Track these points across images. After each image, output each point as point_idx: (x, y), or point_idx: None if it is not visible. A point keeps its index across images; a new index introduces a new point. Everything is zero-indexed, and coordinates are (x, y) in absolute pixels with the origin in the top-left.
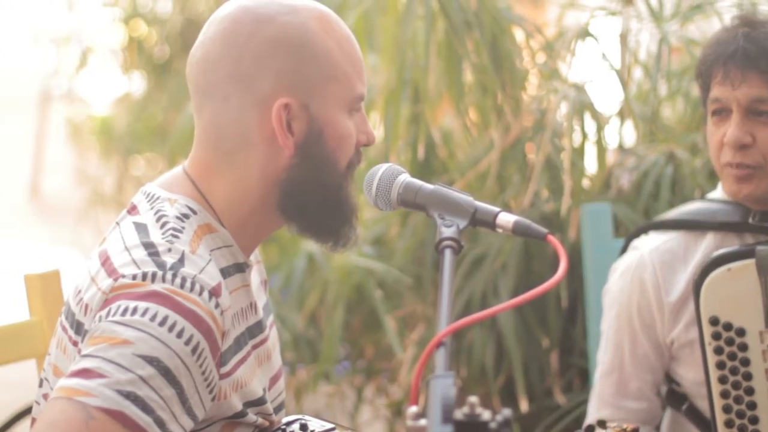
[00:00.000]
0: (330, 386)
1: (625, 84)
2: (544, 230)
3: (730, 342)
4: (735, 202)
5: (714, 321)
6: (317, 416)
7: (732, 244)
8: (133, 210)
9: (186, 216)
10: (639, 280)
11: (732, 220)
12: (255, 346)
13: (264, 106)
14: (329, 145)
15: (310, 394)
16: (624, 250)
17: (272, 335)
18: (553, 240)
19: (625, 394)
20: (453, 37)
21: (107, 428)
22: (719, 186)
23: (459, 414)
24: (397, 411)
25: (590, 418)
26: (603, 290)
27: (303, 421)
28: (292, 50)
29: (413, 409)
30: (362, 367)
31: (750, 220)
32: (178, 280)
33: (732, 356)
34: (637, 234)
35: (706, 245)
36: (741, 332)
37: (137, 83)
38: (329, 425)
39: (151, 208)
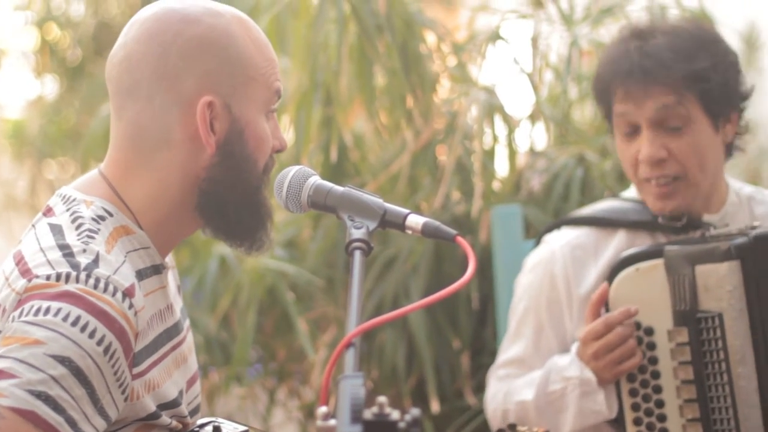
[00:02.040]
0: (242, 389)
1: (536, 87)
2: (453, 231)
3: (638, 341)
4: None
5: None
6: (230, 419)
7: (643, 242)
8: (48, 212)
9: (102, 218)
10: (549, 274)
11: (643, 219)
12: (173, 348)
13: (188, 105)
14: (249, 145)
15: (223, 397)
16: (537, 244)
17: (189, 338)
18: (462, 241)
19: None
20: (364, 40)
21: (18, 428)
22: (632, 186)
23: (368, 414)
24: (310, 413)
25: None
26: (514, 282)
27: (216, 424)
28: (217, 51)
29: (323, 409)
30: (274, 369)
31: (660, 219)
32: (91, 281)
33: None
34: (550, 229)
35: (617, 242)
36: (649, 331)
37: (50, 86)
38: (242, 427)
39: (67, 210)
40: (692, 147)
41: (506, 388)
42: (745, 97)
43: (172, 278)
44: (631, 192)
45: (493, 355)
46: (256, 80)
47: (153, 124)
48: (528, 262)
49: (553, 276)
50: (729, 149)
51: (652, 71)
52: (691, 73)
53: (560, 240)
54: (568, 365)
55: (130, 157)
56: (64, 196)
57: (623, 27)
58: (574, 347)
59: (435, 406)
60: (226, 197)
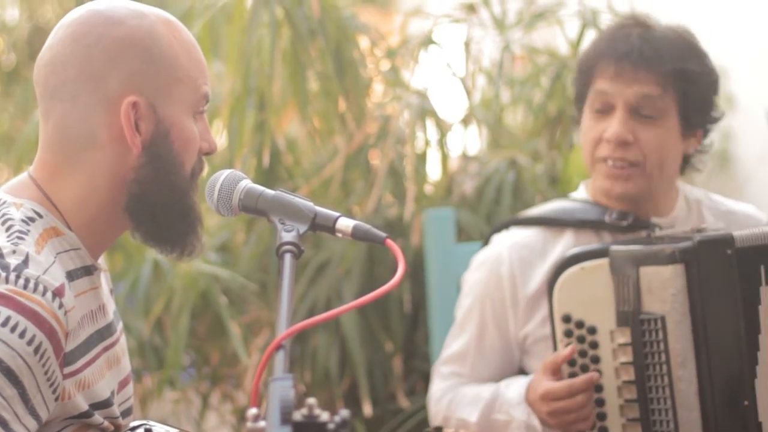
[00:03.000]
0: (175, 393)
1: (469, 91)
2: (383, 234)
3: (581, 340)
4: (595, 202)
5: (566, 318)
6: (163, 423)
7: (590, 242)
8: None
9: (31, 219)
10: (495, 275)
11: (589, 218)
12: (105, 349)
13: (112, 105)
14: (175, 146)
15: (156, 401)
16: (485, 244)
17: (122, 340)
18: (392, 244)
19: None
20: (298, 45)
21: None
22: (581, 187)
23: (297, 415)
24: (243, 416)
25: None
26: (462, 278)
27: (148, 427)
28: (141, 52)
29: (253, 411)
30: (208, 373)
31: (606, 218)
32: (21, 281)
33: (583, 354)
34: (499, 229)
35: (565, 242)
36: (592, 330)
37: None
38: (174, 430)
39: None
40: (658, 140)
41: (451, 395)
42: (714, 119)
43: (104, 280)
44: (581, 193)
45: (425, 358)
46: (182, 81)
47: (79, 125)
48: (475, 260)
49: (499, 277)
50: (686, 163)
51: (647, 57)
52: (680, 71)
53: (508, 240)
54: (516, 405)
55: (58, 158)
56: None
57: (629, 15)
58: (525, 381)
59: (367, 409)
60: (155, 199)
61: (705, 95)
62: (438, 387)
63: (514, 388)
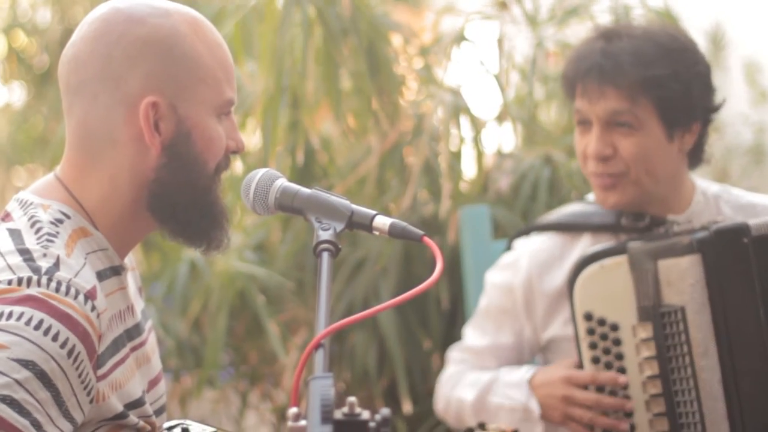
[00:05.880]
0: (215, 392)
1: (503, 88)
2: (420, 232)
3: (604, 337)
4: None
5: (588, 316)
6: (202, 422)
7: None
8: (6, 217)
9: (60, 221)
10: (511, 282)
11: (606, 222)
12: (133, 349)
13: (132, 105)
14: (197, 146)
15: (195, 401)
16: (508, 248)
17: (151, 339)
18: (429, 241)
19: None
20: (330, 43)
21: None
22: None
23: (338, 414)
24: (282, 415)
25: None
26: (483, 281)
27: (184, 426)
28: (162, 51)
29: (293, 410)
30: (246, 372)
31: (622, 221)
32: (53, 284)
33: (606, 351)
34: (520, 234)
35: (583, 245)
36: (615, 327)
37: (18, 94)
38: (211, 429)
39: (25, 214)
40: (639, 149)
41: (457, 377)
42: (711, 109)
43: (132, 280)
44: None
45: None
46: (205, 81)
47: (99, 124)
48: (499, 262)
49: (515, 285)
50: (692, 158)
51: (609, 72)
52: (646, 79)
53: (528, 247)
54: (515, 386)
55: (82, 157)
56: (22, 201)
57: (596, 27)
58: (529, 367)
59: (407, 407)
60: (176, 198)
61: (687, 92)
62: (448, 372)
63: (517, 372)
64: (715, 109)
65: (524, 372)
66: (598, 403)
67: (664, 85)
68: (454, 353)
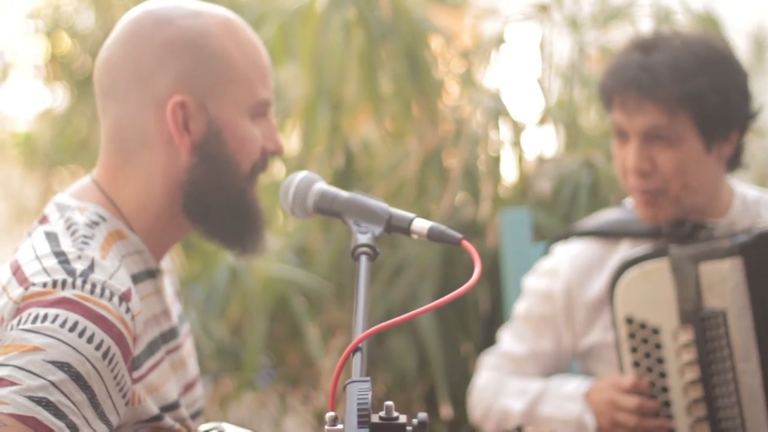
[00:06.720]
0: (254, 395)
1: (544, 91)
2: (458, 235)
3: (645, 341)
4: None
5: (629, 320)
6: (242, 425)
7: None
8: (44, 220)
9: (96, 223)
10: (551, 289)
11: (646, 229)
12: (169, 352)
13: (161, 105)
14: (229, 146)
15: (235, 404)
16: (547, 252)
17: (187, 343)
18: (467, 245)
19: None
20: (370, 46)
21: None
22: None
23: (375, 417)
24: (322, 418)
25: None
26: (522, 278)
27: (220, 429)
28: (190, 51)
29: (330, 414)
30: (286, 375)
31: (663, 229)
32: (88, 286)
33: (647, 355)
34: (559, 239)
35: (623, 252)
36: (656, 331)
37: (60, 97)
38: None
39: (61, 217)
40: (678, 163)
41: (498, 383)
42: (749, 117)
43: (168, 283)
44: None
45: None
46: (236, 82)
47: (131, 125)
48: (538, 267)
49: (554, 291)
50: (731, 164)
51: (647, 87)
52: (685, 94)
53: (567, 253)
54: (571, 399)
55: (117, 159)
56: (59, 204)
57: (632, 37)
58: (583, 380)
59: (446, 411)
60: (209, 198)
61: (725, 103)
62: (484, 377)
63: (572, 384)
64: (754, 116)
65: (579, 384)
66: (640, 407)
67: (703, 98)
68: (489, 358)
